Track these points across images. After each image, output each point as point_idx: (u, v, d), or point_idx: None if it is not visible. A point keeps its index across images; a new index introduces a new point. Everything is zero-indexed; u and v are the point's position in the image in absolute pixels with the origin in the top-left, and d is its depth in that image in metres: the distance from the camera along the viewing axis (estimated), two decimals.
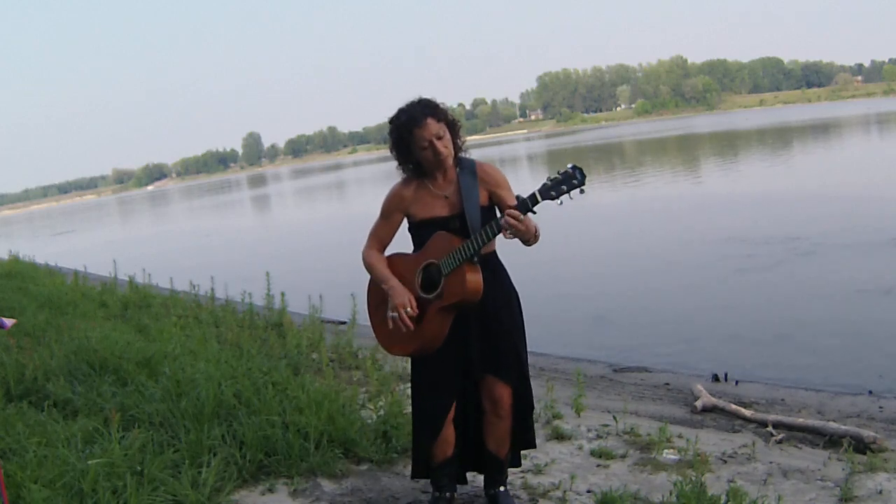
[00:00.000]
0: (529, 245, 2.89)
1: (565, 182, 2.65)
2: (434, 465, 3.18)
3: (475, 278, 2.87)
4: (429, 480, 3.32)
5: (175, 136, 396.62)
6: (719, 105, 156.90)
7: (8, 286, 10.99)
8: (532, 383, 3.21)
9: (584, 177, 2.64)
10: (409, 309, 2.91)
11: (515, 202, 2.76)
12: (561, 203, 2.67)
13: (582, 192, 2.66)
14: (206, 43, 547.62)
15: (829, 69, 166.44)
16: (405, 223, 3.12)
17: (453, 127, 3.00)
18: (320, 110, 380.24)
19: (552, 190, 2.66)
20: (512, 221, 2.71)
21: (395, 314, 2.93)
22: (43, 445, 3.66)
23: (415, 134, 2.92)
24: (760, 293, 9.16)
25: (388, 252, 3.14)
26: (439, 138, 2.93)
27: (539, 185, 2.70)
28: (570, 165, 2.66)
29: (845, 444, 4.34)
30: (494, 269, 3.06)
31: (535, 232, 2.84)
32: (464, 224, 2.92)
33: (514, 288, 3.14)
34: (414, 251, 3.06)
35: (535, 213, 2.75)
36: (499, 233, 2.80)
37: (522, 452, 3.44)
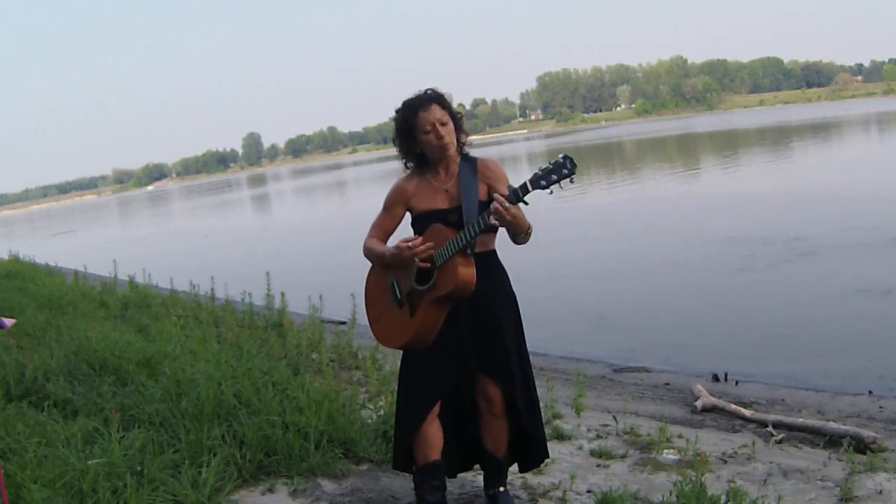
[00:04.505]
0: (519, 242, 2.94)
1: (556, 171, 2.68)
2: (416, 467, 3.14)
3: (467, 270, 2.88)
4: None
5: (175, 136, 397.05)
6: (719, 105, 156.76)
7: (8, 286, 10.98)
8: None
9: (574, 166, 2.67)
10: (412, 244, 2.90)
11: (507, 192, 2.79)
12: (552, 192, 2.70)
13: (572, 181, 2.69)
14: (206, 43, 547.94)
15: (829, 69, 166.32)
16: (408, 218, 3.15)
17: (457, 120, 3.05)
18: (320, 110, 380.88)
19: (542, 179, 2.69)
20: (498, 206, 2.73)
21: (409, 251, 2.90)
22: (43, 445, 3.65)
23: (419, 116, 2.97)
24: (761, 293, 9.16)
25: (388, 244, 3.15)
26: (443, 124, 2.97)
27: (530, 175, 2.72)
28: (561, 156, 2.69)
29: (845, 444, 4.34)
30: (492, 268, 3.07)
31: (528, 229, 2.88)
32: (461, 217, 2.94)
33: (512, 290, 3.14)
34: None
35: (526, 203, 2.77)
36: (489, 223, 2.80)
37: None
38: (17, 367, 5.13)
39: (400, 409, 3.18)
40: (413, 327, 2.97)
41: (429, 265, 2.93)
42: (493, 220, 2.77)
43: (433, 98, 3.00)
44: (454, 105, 3.06)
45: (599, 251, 13.64)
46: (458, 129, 3.04)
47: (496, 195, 2.77)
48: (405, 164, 3.13)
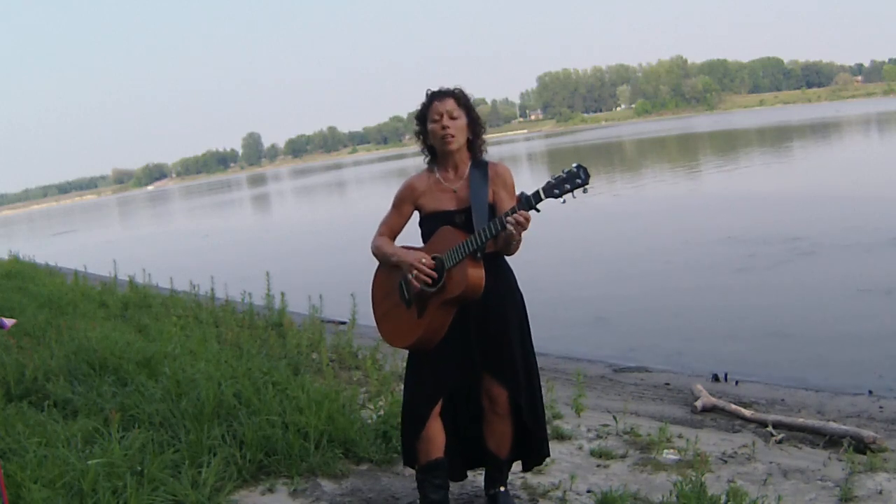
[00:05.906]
0: (511, 252, 2.96)
1: (569, 181, 2.68)
2: (419, 465, 3.15)
3: (477, 273, 2.89)
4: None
5: (175, 136, 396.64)
6: (719, 105, 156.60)
7: (8, 286, 10.99)
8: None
9: (588, 176, 2.68)
10: (423, 261, 2.93)
11: (515, 203, 2.79)
12: (564, 202, 2.70)
13: (585, 191, 2.70)
14: (206, 43, 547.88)
15: (829, 69, 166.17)
16: (416, 216, 3.16)
17: (474, 123, 3.08)
18: (320, 110, 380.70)
19: (556, 188, 2.69)
20: (519, 219, 2.74)
21: (414, 273, 2.93)
22: (43, 445, 3.65)
23: (433, 105, 3.04)
24: (761, 293, 9.16)
25: (396, 244, 3.16)
26: (452, 118, 3.01)
27: (543, 183, 2.72)
28: (574, 165, 2.70)
29: (845, 444, 4.34)
30: (499, 269, 3.07)
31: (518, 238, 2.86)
32: (469, 219, 2.95)
33: (518, 289, 3.15)
34: (422, 245, 3.08)
35: (538, 210, 2.77)
36: (502, 230, 2.80)
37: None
38: (17, 367, 5.14)
39: (406, 407, 3.18)
40: (420, 328, 2.98)
41: (430, 282, 2.93)
42: (510, 229, 2.76)
43: (452, 92, 3.06)
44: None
45: (599, 251, 13.64)
46: (476, 134, 3.08)
47: (519, 213, 2.75)
48: (425, 155, 3.16)
